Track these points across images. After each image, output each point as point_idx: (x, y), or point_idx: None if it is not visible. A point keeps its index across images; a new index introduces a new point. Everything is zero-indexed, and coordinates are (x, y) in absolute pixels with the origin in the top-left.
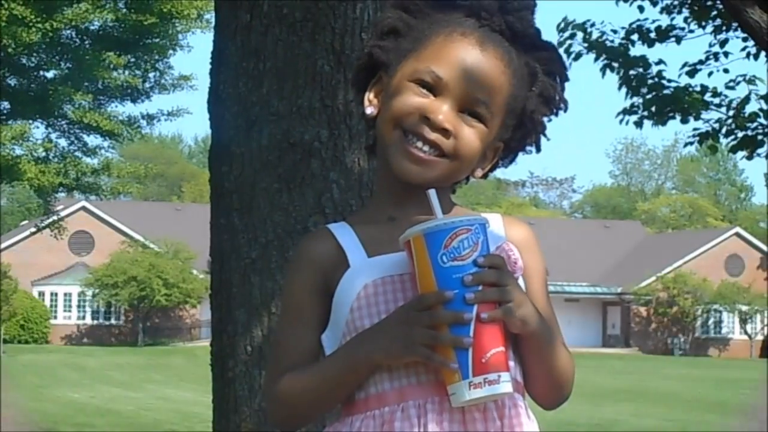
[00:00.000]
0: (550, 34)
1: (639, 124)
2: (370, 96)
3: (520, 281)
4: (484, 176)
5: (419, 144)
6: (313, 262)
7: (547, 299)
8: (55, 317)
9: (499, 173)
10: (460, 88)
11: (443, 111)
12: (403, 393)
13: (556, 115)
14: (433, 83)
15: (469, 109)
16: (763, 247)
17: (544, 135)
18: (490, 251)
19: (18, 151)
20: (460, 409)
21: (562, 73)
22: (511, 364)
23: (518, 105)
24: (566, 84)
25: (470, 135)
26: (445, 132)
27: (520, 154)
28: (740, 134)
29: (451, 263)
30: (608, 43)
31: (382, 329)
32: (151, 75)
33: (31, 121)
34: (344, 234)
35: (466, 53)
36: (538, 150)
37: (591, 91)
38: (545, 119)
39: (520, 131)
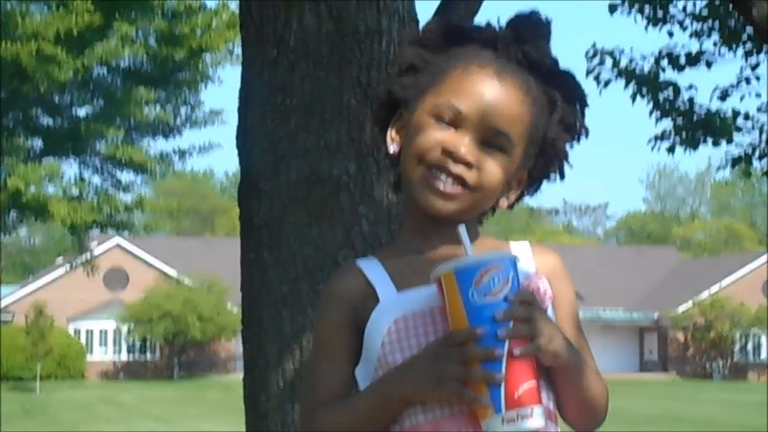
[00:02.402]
0: (579, 61)
1: (671, 149)
2: (392, 133)
3: (550, 310)
4: (510, 207)
5: (443, 177)
6: (342, 297)
7: (577, 327)
8: (91, 353)
9: (533, 201)
10: (481, 120)
11: (465, 144)
12: (438, 425)
13: (578, 141)
14: (453, 117)
15: (491, 141)
16: None
17: (567, 162)
18: (521, 286)
19: (51, 190)
20: None
21: (581, 99)
22: (544, 394)
23: (539, 133)
24: (586, 110)
25: (493, 167)
26: (468, 165)
27: (545, 182)
28: None
29: (482, 300)
30: (638, 70)
31: (414, 365)
32: (182, 110)
33: (63, 159)
34: (372, 269)
35: (484, 85)
36: (563, 177)
37: (622, 117)
38: (567, 146)
39: (542, 159)
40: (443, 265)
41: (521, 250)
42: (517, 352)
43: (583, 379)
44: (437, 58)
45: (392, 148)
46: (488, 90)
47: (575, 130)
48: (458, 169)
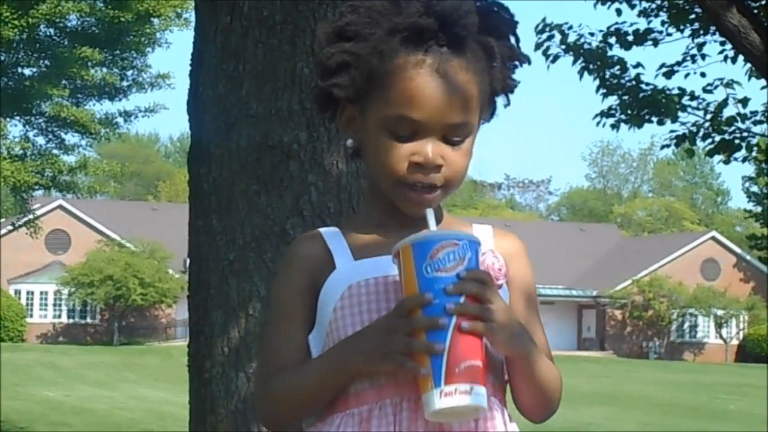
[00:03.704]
0: (528, 36)
1: (616, 126)
2: (342, 124)
3: (504, 289)
4: None
5: (417, 188)
6: (301, 263)
7: (533, 309)
8: (31, 316)
9: (476, 175)
10: (437, 122)
11: (429, 150)
12: (381, 391)
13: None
14: (409, 128)
15: (452, 134)
16: (739, 251)
17: (513, 92)
18: (477, 267)
19: None
20: None
21: (509, 25)
22: (493, 379)
23: (488, 90)
24: (517, 23)
25: (459, 158)
26: (437, 168)
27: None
28: (717, 138)
29: (435, 274)
30: (586, 46)
31: (363, 337)
32: (128, 73)
33: (8, 119)
34: (333, 238)
35: (428, 87)
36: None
37: (568, 93)
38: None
39: (494, 101)
40: (403, 239)
41: (483, 232)
42: (464, 325)
43: (537, 368)
44: (363, 48)
45: (349, 142)
46: (434, 90)
47: (517, 61)
48: (429, 178)
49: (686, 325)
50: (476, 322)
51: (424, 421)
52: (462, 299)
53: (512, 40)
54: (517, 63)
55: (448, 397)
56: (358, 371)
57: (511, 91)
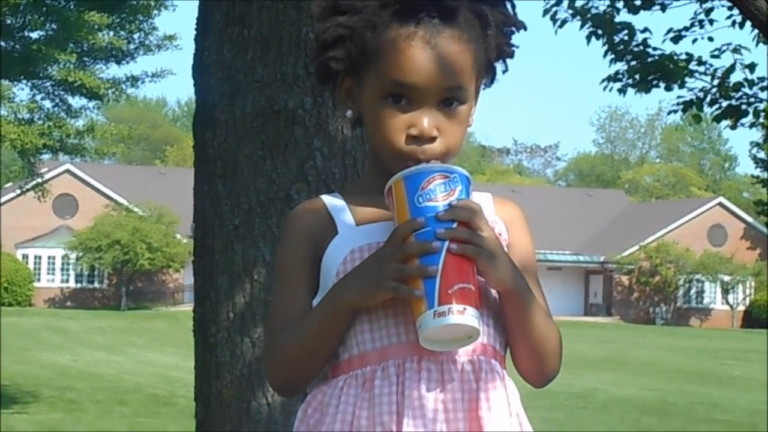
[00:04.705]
0: (536, 1)
1: (623, 91)
2: (341, 96)
3: None
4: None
5: (416, 158)
6: (303, 228)
7: (531, 276)
8: (39, 280)
9: (484, 140)
10: (430, 87)
11: (426, 121)
12: (384, 353)
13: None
14: (402, 93)
15: (447, 99)
16: (747, 217)
17: (512, 57)
18: (469, 199)
19: (2, 112)
20: (438, 368)
21: None
22: (491, 330)
23: (483, 58)
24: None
25: (455, 128)
26: (433, 139)
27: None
28: (724, 103)
29: (427, 203)
30: (594, 11)
31: (357, 271)
32: (135, 36)
33: (15, 82)
34: (335, 203)
35: (419, 56)
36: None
37: (576, 58)
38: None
39: (492, 68)
40: (394, 176)
41: (483, 199)
42: (454, 247)
43: (532, 316)
44: (358, 21)
45: (349, 113)
46: (427, 60)
47: (512, 27)
48: (427, 148)
49: (693, 290)
50: (467, 245)
51: (426, 382)
52: (454, 225)
53: (507, 6)
54: (513, 29)
55: (442, 317)
56: (354, 307)
57: (510, 57)
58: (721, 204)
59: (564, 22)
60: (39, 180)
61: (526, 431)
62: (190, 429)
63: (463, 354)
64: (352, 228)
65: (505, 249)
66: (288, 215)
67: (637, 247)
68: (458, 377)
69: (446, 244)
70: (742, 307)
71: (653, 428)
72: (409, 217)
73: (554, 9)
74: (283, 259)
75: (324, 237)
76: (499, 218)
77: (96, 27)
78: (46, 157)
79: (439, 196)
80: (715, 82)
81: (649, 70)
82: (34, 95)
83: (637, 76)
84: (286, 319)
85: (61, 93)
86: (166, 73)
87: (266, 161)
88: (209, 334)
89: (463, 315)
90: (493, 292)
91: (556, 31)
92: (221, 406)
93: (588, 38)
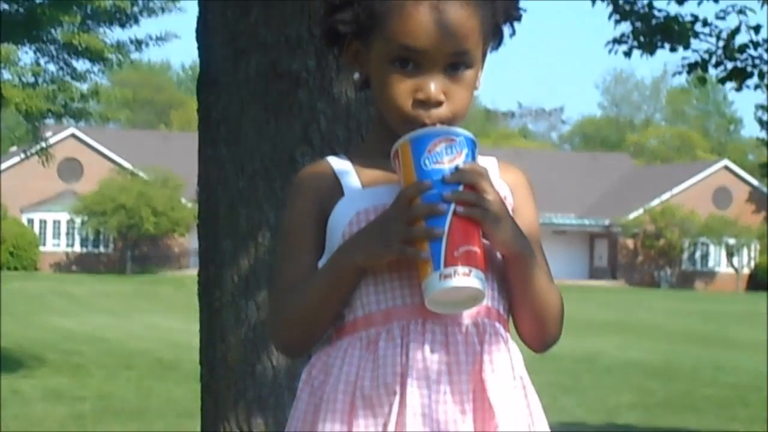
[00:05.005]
0: None
1: (628, 53)
2: (348, 61)
3: None
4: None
5: (423, 123)
6: (310, 189)
7: (535, 242)
8: (44, 244)
9: (489, 104)
10: (437, 50)
11: (432, 85)
12: (389, 315)
13: None
14: (409, 57)
15: (454, 63)
16: (752, 180)
17: (519, 21)
18: (475, 161)
19: (5, 75)
20: (442, 330)
21: None
22: (495, 293)
23: (491, 23)
24: None
25: (461, 92)
26: (440, 104)
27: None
28: (729, 65)
29: (433, 166)
30: None
31: (364, 232)
32: None
33: (19, 46)
34: (342, 165)
35: (426, 19)
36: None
37: (581, 20)
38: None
39: (499, 32)
40: (401, 138)
41: (488, 163)
42: (460, 209)
43: (535, 277)
44: None
45: (356, 76)
46: (433, 23)
47: None
48: (434, 112)
49: (698, 254)
50: (473, 208)
51: (431, 344)
52: (460, 188)
53: None
54: None
55: (448, 279)
56: (360, 267)
57: (518, 20)
58: (726, 167)
59: None
60: (44, 144)
61: (530, 394)
62: (195, 392)
63: (468, 317)
64: (358, 190)
65: (510, 212)
66: (295, 177)
67: (641, 211)
68: (462, 339)
69: (452, 206)
70: (746, 270)
71: (658, 391)
72: (415, 179)
73: None
74: (290, 220)
75: (330, 198)
76: (504, 182)
77: None
78: (50, 121)
79: (445, 158)
80: (721, 43)
81: (654, 31)
82: (38, 58)
83: (642, 38)
84: (291, 280)
85: (66, 56)
86: (170, 36)
87: (270, 124)
88: (214, 297)
89: (469, 277)
90: (498, 255)
91: None
92: (226, 370)
93: (593, 0)
